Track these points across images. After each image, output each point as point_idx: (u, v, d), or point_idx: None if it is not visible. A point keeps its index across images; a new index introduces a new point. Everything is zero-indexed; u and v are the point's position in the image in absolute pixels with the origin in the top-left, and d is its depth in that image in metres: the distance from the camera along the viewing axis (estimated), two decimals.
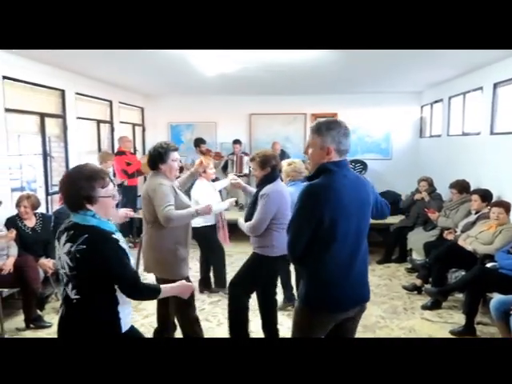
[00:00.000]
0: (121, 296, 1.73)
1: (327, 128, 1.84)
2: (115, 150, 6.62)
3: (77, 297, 1.68)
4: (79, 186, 1.66)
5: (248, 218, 2.96)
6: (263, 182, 2.95)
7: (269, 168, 2.93)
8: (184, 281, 2.05)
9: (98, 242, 1.64)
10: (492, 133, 4.97)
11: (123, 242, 1.73)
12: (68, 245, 1.65)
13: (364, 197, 1.89)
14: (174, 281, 2.07)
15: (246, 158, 7.35)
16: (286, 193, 3.02)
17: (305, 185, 1.86)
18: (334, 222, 1.76)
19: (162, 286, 1.85)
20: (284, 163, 3.67)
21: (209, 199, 3.64)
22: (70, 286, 1.69)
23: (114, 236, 1.68)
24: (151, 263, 2.85)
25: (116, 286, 1.71)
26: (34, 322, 3.64)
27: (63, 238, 1.68)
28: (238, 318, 3.08)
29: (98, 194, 1.69)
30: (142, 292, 1.77)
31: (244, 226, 2.97)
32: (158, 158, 2.71)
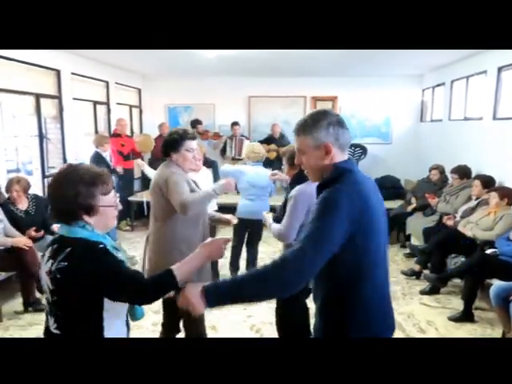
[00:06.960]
0: (112, 323, 1.40)
1: (314, 120, 1.40)
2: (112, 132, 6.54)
3: (57, 332, 1.36)
4: (76, 192, 1.33)
5: (277, 221, 2.74)
6: (294, 182, 2.71)
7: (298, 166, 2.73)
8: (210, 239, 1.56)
9: (82, 256, 1.30)
10: (495, 118, 4.91)
11: (113, 249, 1.42)
12: (49, 262, 1.33)
13: (381, 207, 1.48)
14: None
15: (246, 142, 7.24)
16: None
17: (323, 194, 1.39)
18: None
19: (174, 266, 1.39)
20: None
21: None
22: (50, 316, 1.38)
23: (101, 246, 1.35)
24: (159, 269, 2.38)
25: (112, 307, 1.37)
26: (33, 305, 3.63)
27: (46, 254, 1.37)
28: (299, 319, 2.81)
29: (99, 202, 1.37)
30: (155, 290, 1.37)
31: (274, 230, 2.68)
32: (170, 145, 2.45)
